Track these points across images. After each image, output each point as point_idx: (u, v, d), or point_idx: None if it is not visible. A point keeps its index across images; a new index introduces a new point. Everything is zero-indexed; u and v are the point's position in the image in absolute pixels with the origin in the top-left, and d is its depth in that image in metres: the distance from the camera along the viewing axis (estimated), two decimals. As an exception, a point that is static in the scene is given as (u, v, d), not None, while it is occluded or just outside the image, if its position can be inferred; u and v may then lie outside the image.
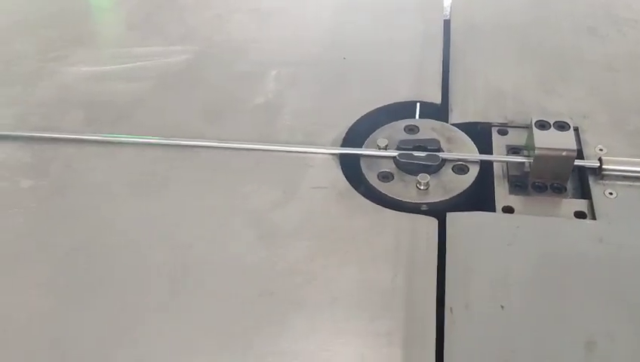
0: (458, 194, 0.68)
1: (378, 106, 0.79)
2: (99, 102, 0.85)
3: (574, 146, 0.67)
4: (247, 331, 0.57)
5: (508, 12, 0.97)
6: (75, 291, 0.62)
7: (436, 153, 0.71)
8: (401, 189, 0.69)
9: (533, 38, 0.91)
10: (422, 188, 0.68)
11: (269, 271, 0.62)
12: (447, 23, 0.95)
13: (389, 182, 0.70)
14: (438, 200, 0.67)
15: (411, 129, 0.76)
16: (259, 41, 0.93)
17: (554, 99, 0.80)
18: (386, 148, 0.72)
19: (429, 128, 0.76)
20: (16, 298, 0.62)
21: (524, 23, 0.94)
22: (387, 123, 0.77)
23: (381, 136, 0.74)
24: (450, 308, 0.56)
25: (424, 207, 0.67)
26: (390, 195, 0.69)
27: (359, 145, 0.74)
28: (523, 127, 0.75)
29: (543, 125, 0.69)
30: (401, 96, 0.81)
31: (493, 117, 0.78)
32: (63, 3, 1.07)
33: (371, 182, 0.70)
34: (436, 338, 0.55)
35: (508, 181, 0.70)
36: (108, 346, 0.57)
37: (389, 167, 0.72)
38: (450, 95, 0.81)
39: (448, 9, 0.98)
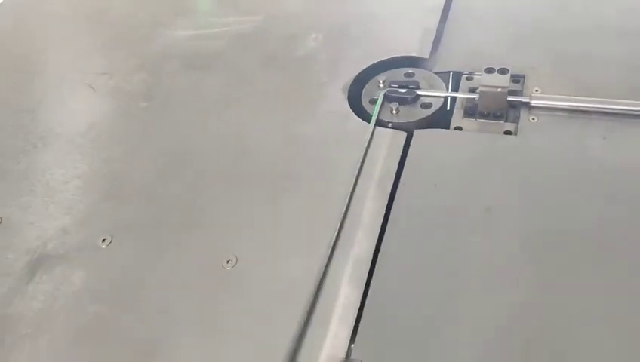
0: (419, 120, 0.99)
1: (383, 59, 1.11)
2: (190, 55, 1.22)
3: (507, 85, 0.95)
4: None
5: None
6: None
7: (414, 90, 1.01)
8: (387, 113, 1.01)
9: (513, 13, 1.17)
10: (394, 112, 1.00)
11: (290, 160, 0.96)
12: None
13: (375, 106, 1.01)
14: (403, 121, 0.99)
15: (409, 75, 1.07)
16: (302, 14, 1.26)
17: (515, 57, 1.06)
18: (384, 83, 1.04)
19: (419, 75, 1.07)
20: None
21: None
22: (387, 70, 1.08)
23: (382, 78, 1.06)
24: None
25: (390, 125, 0.98)
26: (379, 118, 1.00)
27: (365, 84, 1.07)
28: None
29: (490, 71, 0.98)
30: (403, 51, 1.12)
31: (466, 68, 1.07)
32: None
33: (364, 105, 1.02)
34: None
35: (463, 110, 0.99)
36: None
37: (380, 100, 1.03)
38: (438, 52, 1.11)
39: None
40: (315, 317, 0.77)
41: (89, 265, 0.88)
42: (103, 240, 0.91)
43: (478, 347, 0.71)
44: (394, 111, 0.99)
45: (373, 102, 1.02)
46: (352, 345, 0.74)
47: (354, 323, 0.75)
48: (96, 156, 1.05)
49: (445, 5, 1.21)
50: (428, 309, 0.75)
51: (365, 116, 1.01)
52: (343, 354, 0.73)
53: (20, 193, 1.00)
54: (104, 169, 1.02)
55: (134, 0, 1.40)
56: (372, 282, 0.78)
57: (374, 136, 0.97)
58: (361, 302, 0.77)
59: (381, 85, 1.04)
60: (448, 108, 1.01)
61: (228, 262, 0.84)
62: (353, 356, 0.72)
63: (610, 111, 0.94)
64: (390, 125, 0.98)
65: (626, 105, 0.94)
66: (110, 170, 1.02)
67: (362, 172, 0.91)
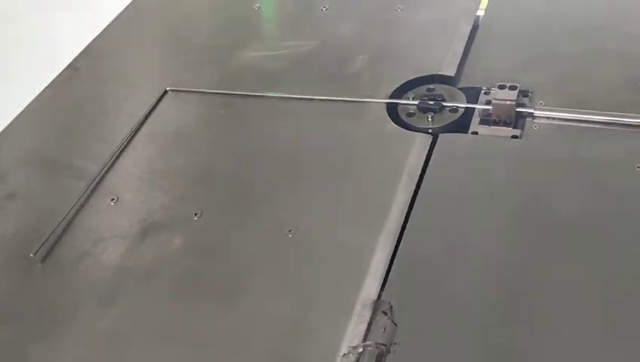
0: (448, 123, 1.23)
1: (416, 76, 1.35)
2: (261, 73, 1.49)
3: (515, 99, 1.18)
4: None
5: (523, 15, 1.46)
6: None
7: (440, 101, 1.25)
8: (418, 120, 1.25)
9: (527, 37, 1.40)
10: (430, 120, 1.24)
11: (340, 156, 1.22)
12: (477, 20, 1.46)
13: (411, 117, 1.26)
14: (432, 127, 1.23)
15: (431, 89, 1.31)
16: (350, 38, 1.52)
17: (527, 76, 1.29)
18: (413, 99, 1.28)
19: (443, 89, 1.31)
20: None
21: (532, 26, 1.43)
22: (417, 86, 1.33)
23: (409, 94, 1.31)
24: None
25: (424, 130, 1.23)
26: (412, 124, 1.25)
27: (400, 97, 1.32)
28: (498, 90, 1.27)
29: (502, 87, 1.21)
30: (433, 70, 1.36)
31: (485, 84, 1.30)
32: (242, 12, 1.75)
33: (402, 117, 1.27)
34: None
35: (479, 118, 1.22)
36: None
37: (414, 109, 1.28)
38: (463, 71, 1.34)
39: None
40: (355, 272, 1.02)
41: (185, 232, 1.17)
42: (195, 214, 1.19)
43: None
44: (429, 119, 1.24)
45: (410, 115, 1.28)
46: (382, 291, 0.99)
47: (384, 276, 1.00)
48: (187, 151, 1.34)
49: (471, 33, 1.45)
50: (444, 262, 1.00)
51: (400, 122, 1.27)
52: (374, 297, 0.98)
53: (130, 180, 1.31)
54: (194, 161, 1.31)
55: (215, 27, 1.70)
56: (399, 247, 1.03)
57: (407, 137, 1.22)
58: (390, 262, 1.02)
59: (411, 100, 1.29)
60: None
61: (289, 231, 1.11)
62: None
63: (599, 120, 1.16)
64: (430, 130, 1.23)
65: (614, 116, 1.15)
66: (199, 162, 1.31)
67: (398, 163, 1.17)
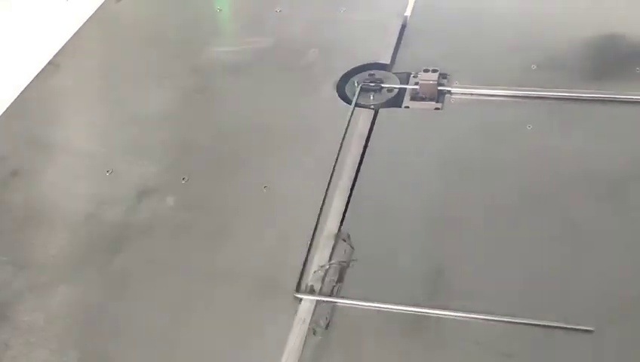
0: (386, 100, 1.54)
1: (359, 64, 1.65)
2: (224, 65, 1.75)
3: (436, 80, 1.50)
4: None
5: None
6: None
7: (379, 84, 1.56)
8: (362, 99, 1.55)
9: (449, 34, 1.73)
10: (372, 98, 1.54)
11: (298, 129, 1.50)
12: (405, 20, 1.78)
13: (354, 94, 1.56)
14: (373, 103, 1.54)
15: (372, 74, 1.61)
16: (302, 35, 1.81)
17: (445, 62, 1.61)
18: (357, 82, 1.59)
19: (381, 74, 1.61)
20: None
21: (450, 24, 1.77)
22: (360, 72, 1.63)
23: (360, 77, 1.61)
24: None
25: (367, 106, 1.53)
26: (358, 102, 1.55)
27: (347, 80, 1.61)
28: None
29: (426, 71, 1.53)
30: (372, 59, 1.67)
31: (414, 69, 1.61)
32: (200, 13, 1.99)
33: (349, 95, 1.57)
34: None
35: (410, 96, 1.54)
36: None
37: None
38: (396, 60, 1.66)
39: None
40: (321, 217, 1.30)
41: (175, 193, 1.41)
42: (183, 179, 1.44)
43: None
44: (371, 98, 1.55)
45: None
46: (341, 226, 1.27)
47: (342, 216, 1.29)
48: (170, 129, 1.59)
49: (401, 30, 1.76)
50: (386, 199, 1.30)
51: (348, 101, 1.56)
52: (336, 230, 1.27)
53: (125, 153, 1.53)
54: (178, 136, 1.56)
55: (185, 27, 1.94)
56: (352, 194, 1.32)
57: (355, 112, 1.52)
58: (346, 205, 1.31)
59: (356, 83, 1.59)
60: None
61: (264, 187, 1.38)
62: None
63: (500, 94, 1.50)
64: (372, 106, 1.54)
65: (511, 90, 1.49)
66: (182, 137, 1.56)
67: (348, 132, 1.46)
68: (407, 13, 1.83)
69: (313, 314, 1.13)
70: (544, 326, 1.06)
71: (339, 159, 1.41)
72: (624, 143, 1.34)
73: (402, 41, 1.72)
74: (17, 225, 1.41)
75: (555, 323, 1.05)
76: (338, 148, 1.43)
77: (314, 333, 1.10)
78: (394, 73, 1.62)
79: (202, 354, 1.12)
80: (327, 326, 1.11)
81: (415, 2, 1.85)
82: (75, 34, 1.96)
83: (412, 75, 1.60)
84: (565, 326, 1.05)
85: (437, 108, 1.51)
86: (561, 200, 1.26)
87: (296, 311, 1.14)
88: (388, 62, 1.65)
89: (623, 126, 1.37)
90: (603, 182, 1.26)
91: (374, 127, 1.47)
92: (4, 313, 1.24)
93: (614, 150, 1.32)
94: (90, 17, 2.01)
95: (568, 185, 1.28)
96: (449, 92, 1.53)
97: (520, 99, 1.49)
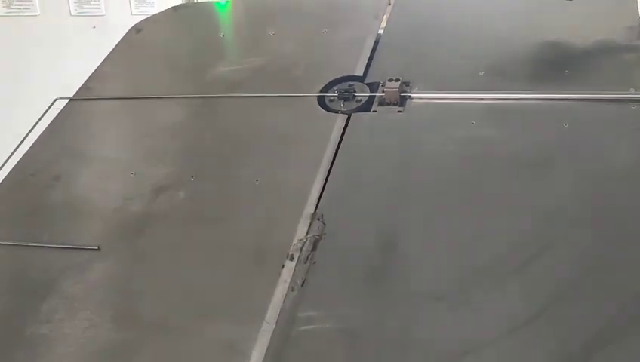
0: (357, 107, 1.84)
1: (337, 77, 1.96)
2: (226, 81, 2.08)
3: (398, 88, 1.80)
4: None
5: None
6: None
7: (352, 93, 1.87)
8: (338, 106, 1.86)
9: (413, 49, 2.03)
10: (342, 106, 1.85)
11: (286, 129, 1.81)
12: (378, 37, 2.08)
13: (332, 102, 1.87)
14: (347, 109, 1.84)
15: (350, 85, 1.92)
16: (291, 54, 2.12)
17: (412, 72, 1.91)
18: (335, 91, 1.89)
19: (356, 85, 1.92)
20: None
21: (414, 39, 2.06)
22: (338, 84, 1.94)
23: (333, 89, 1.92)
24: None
25: (342, 111, 1.83)
26: (333, 108, 1.85)
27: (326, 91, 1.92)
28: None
29: (390, 80, 1.83)
30: (349, 72, 1.97)
31: (382, 79, 1.91)
32: (206, 39, 2.34)
33: (327, 104, 1.87)
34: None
35: (378, 102, 1.84)
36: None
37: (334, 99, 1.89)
38: (368, 72, 1.96)
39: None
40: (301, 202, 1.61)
41: (186, 189, 1.74)
42: (191, 177, 1.76)
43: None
44: (342, 106, 1.86)
45: (332, 100, 1.89)
46: (316, 209, 1.58)
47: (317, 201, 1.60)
48: (181, 137, 1.92)
49: (374, 46, 2.07)
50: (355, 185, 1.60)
51: (327, 108, 1.87)
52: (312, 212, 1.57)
53: (145, 158, 1.87)
54: (187, 143, 1.89)
55: (194, 51, 2.29)
56: (326, 185, 1.63)
57: (331, 117, 1.82)
58: (320, 193, 1.62)
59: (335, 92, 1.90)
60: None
61: (256, 180, 1.70)
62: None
63: (455, 98, 1.79)
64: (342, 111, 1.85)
65: (463, 94, 1.78)
66: (189, 143, 1.89)
67: (325, 133, 1.77)
68: (380, 31, 2.14)
69: (292, 275, 1.44)
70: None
71: (318, 156, 1.72)
72: (547, 134, 1.63)
73: (375, 56, 2.03)
74: (60, 218, 1.76)
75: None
76: (318, 147, 1.74)
77: (292, 290, 1.41)
78: (366, 83, 1.93)
79: (208, 304, 1.45)
80: (303, 284, 1.41)
81: (388, 21, 2.16)
82: (102, 61, 2.32)
83: (380, 84, 1.90)
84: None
85: (399, 112, 1.81)
86: (491, 177, 1.57)
87: (279, 274, 1.45)
88: (361, 74, 1.96)
89: (547, 120, 1.66)
90: (524, 164, 1.55)
91: (347, 128, 1.78)
92: (53, 286, 1.57)
93: (538, 139, 1.61)
94: (114, 48, 2.37)
95: (497, 166, 1.58)
96: (410, 97, 1.83)
97: (468, 101, 1.78)
